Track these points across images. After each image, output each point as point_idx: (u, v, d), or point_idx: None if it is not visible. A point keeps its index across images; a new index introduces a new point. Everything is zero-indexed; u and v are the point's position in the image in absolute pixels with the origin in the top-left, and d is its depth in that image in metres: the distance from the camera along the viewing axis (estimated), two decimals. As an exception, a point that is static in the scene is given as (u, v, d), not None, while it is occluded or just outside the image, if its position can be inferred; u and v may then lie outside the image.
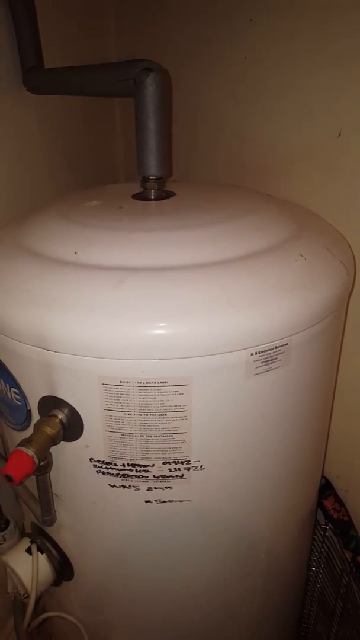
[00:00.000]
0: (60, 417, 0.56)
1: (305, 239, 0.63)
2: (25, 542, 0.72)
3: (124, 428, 0.55)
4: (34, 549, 0.70)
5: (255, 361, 0.54)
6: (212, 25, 0.84)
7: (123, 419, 0.55)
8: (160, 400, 0.53)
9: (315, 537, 0.89)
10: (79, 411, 0.56)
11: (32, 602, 0.69)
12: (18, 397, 0.60)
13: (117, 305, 0.51)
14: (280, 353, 0.55)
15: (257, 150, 0.83)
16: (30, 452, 0.53)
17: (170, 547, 0.66)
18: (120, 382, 0.52)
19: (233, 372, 0.54)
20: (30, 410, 0.60)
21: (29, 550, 0.71)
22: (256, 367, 0.54)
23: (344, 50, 0.67)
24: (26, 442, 0.54)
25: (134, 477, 0.58)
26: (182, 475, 0.58)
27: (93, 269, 0.54)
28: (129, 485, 0.59)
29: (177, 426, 0.55)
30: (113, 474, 0.58)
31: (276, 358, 0.55)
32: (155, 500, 0.60)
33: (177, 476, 0.58)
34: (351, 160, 0.71)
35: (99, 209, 0.66)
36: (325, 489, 0.87)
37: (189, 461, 0.57)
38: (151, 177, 0.65)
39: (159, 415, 0.54)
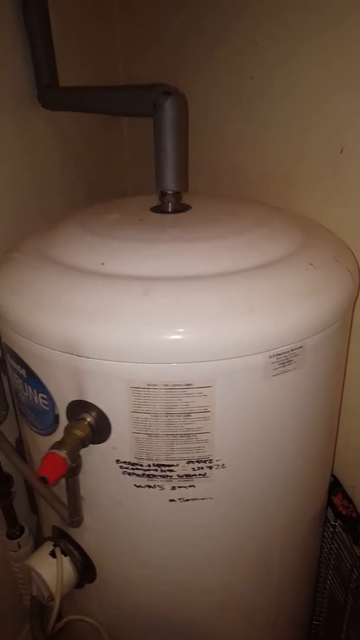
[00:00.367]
0: (88, 420, 0.59)
1: (314, 248, 0.67)
2: (49, 546, 0.74)
3: (150, 429, 0.58)
4: (58, 552, 0.72)
5: (273, 363, 0.57)
6: (216, 45, 0.89)
7: (149, 421, 0.57)
8: (186, 402, 0.56)
9: (325, 533, 0.91)
10: (107, 414, 0.58)
11: (57, 604, 0.71)
12: (46, 402, 0.62)
13: (144, 313, 0.54)
14: (296, 355, 0.59)
15: (263, 166, 0.88)
16: (62, 453, 0.56)
17: (189, 545, 0.68)
18: (148, 385, 0.55)
19: (253, 374, 0.57)
20: (57, 415, 0.62)
21: (52, 554, 0.73)
22: (274, 369, 0.58)
23: (346, 71, 0.72)
24: (58, 445, 0.57)
25: (159, 477, 0.61)
26: (205, 474, 0.61)
27: (120, 279, 0.58)
28: (154, 485, 0.61)
29: (201, 426, 0.58)
30: (139, 474, 0.61)
31: (292, 360, 0.59)
32: (179, 499, 0.62)
33: (200, 475, 0.61)
34: (353, 174, 0.76)
35: (120, 221, 0.70)
36: (334, 486, 0.90)
37: (212, 460, 0.60)
38: (169, 192, 0.69)
39: (184, 416, 0.57)
